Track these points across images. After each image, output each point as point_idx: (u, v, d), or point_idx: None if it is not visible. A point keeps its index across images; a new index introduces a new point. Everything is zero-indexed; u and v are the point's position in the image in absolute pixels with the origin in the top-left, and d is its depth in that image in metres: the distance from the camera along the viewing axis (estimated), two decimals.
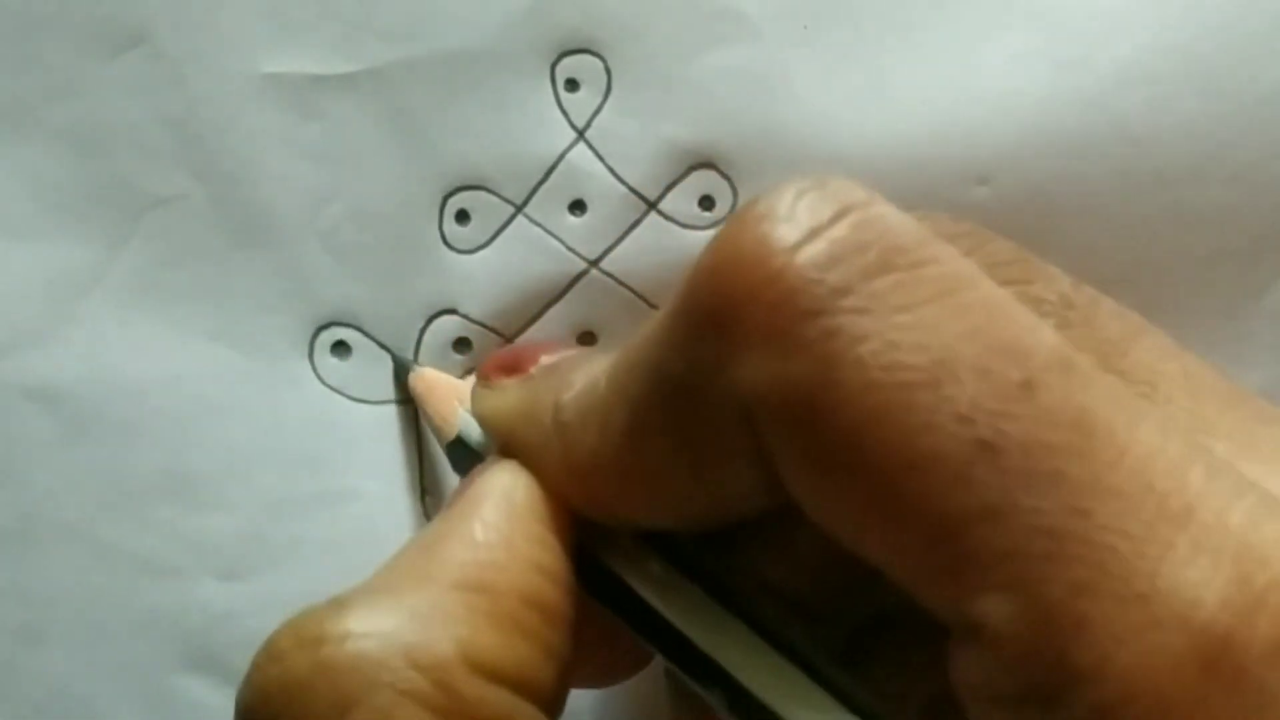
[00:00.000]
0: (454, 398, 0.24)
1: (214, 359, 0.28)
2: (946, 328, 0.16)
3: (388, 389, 0.28)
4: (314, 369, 0.28)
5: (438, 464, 0.28)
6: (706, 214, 0.27)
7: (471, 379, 0.25)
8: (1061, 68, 0.26)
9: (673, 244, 0.27)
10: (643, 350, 0.18)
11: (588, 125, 0.27)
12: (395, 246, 0.28)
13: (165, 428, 0.28)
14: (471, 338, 0.28)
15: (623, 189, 0.27)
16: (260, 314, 0.28)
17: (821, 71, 0.27)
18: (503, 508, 0.20)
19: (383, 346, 0.28)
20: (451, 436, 0.24)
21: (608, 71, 0.27)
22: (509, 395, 0.22)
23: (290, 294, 0.28)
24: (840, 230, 0.17)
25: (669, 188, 0.27)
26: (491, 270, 0.28)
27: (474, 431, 0.23)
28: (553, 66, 0.27)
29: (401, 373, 0.28)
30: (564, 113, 0.27)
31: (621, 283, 0.28)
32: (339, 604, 0.18)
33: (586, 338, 0.28)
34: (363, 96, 0.27)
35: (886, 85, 0.27)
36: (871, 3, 0.27)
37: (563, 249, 0.28)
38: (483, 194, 0.28)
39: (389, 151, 0.27)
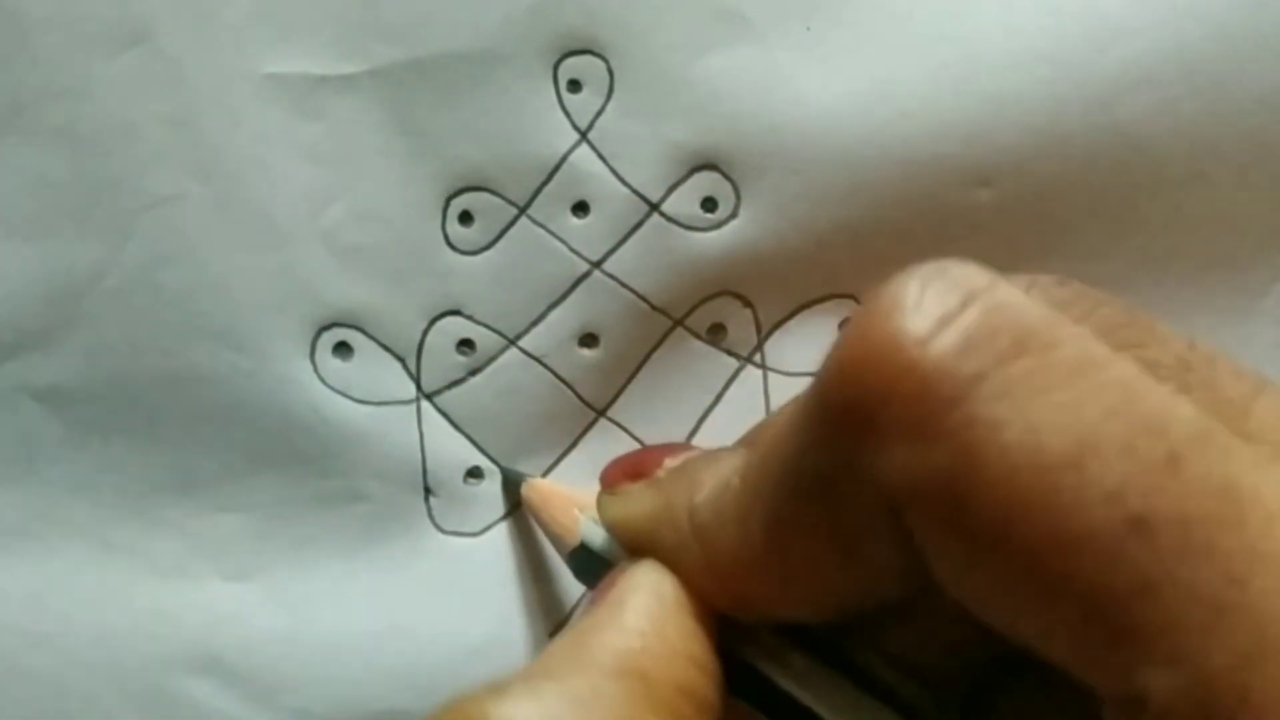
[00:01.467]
0: (572, 506, 0.24)
1: (215, 360, 0.28)
2: (1086, 409, 0.16)
3: (390, 390, 0.28)
4: (315, 370, 0.28)
5: (441, 465, 0.28)
6: (709, 215, 0.27)
7: (575, 489, 0.25)
8: (1063, 71, 0.26)
9: (675, 245, 0.27)
10: (777, 447, 0.19)
11: (590, 126, 0.27)
12: (398, 247, 0.28)
13: (169, 429, 0.28)
14: (475, 339, 0.28)
15: (625, 190, 0.27)
16: (261, 315, 0.28)
17: (824, 73, 0.27)
18: (653, 601, 0.20)
19: (394, 356, 0.28)
20: (573, 545, 0.24)
21: (610, 72, 0.27)
22: (639, 501, 0.22)
23: (291, 295, 0.28)
24: (971, 317, 0.17)
25: (671, 189, 0.27)
26: (495, 271, 0.28)
27: (597, 537, 0.23)
28: (555, 67, 0.27)
29: (511, 484, 0.28)
30: (566, 114, 0.27)
31: (624, 284, 0.28)
32: (499, 690, 0.18)
33: (589, 339, 0.28)
34: (365, 97, 0.27)
35: (889, 88, 0.27)
36: (873, 5, 0.27)
37: (566, 250, 0.28)
38: (486, 195, 0.28)
39: (391, 152, 0.27)
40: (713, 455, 0.21)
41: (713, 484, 0.20)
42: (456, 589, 0.28)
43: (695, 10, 0.27)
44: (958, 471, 0.16)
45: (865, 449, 0.17)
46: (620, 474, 0.23)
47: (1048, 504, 0.16)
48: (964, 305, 0.17)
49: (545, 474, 0.28)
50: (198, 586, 0.28)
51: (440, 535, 0.28)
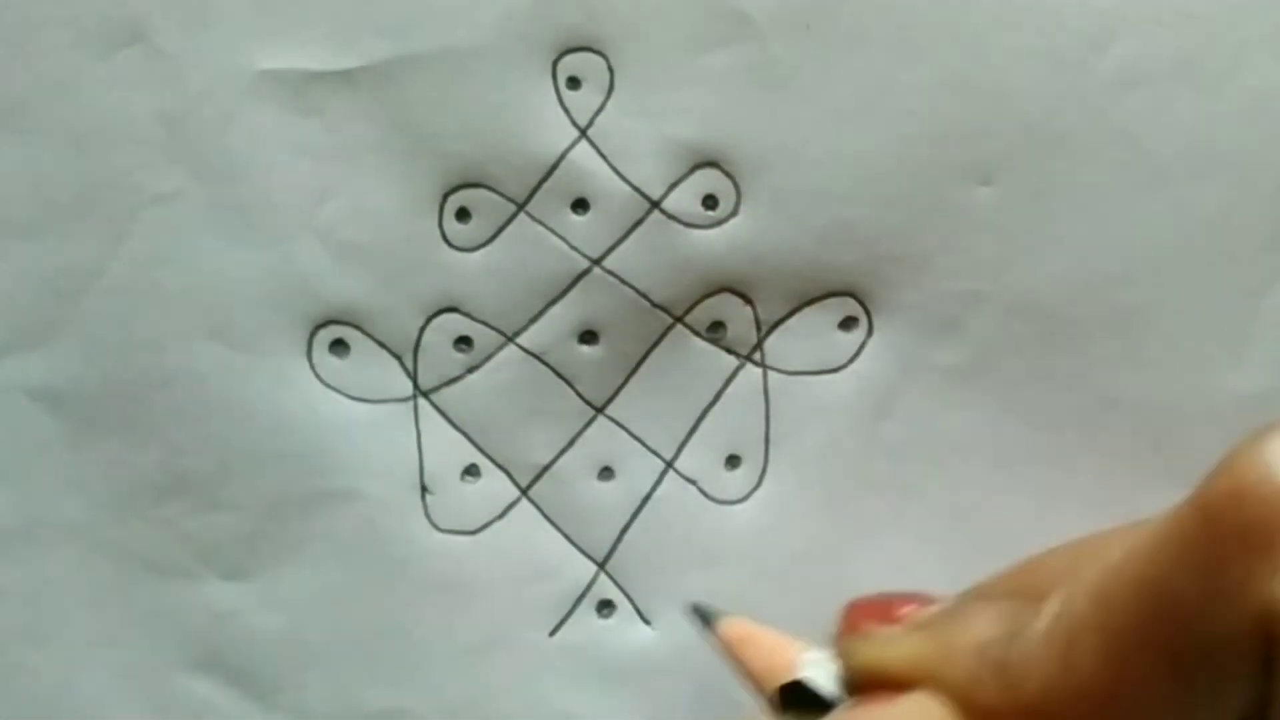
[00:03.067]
0: (782, 645, 0.24)
1: (211, 358, 0.28)
2: None
3: (387, 388, 0.28)
4: (311, 367, 0.28)
5: (438, 463, 0.28)
6: (710, 213, 0.27)
7: (778, 631, 0.24)
8: (1063, 68, 0.26)
9: (675, 243, 0.27)
10: (1134, 574, 0.18)
11: (590, 123, 0.27)
12: (394, 244, 0.28)
13: (165, 427, 0.28)
14: (473, 336, 0.28)
15: (625, 188, 0.27)
16: (257, 312, 0.28)
17: (824, 71, 0.27)
18: (926, 712, 0.20)
19: (391, 353, 0.28)
20: (776, 685, 0.23)
21: (610, 70, 0.27)
22: (904, 643, 0.22)
23: (287, 292, 0.28)
24: None
25: (672, 187, 0.27)
26: (493, 268, 0.28)
27: (821, 676, 0.23)
28: (554, 64, 0.27)
29: (703, 618, 0.26)
30: (566, 111, 0.27)
31: (624, 281, 0.28)
32: None
33: (588, 336, 0.28)
34: (361, 93, 0.27)
35: (889, 85, 0.27)
36: (874, 3, 0.27)
37: (565, 247, 0.28)
38: (483, 192, 0.27)
39: (387, 148, 0.27)
40: (984, 602, 0.22)
41: (1003, 623, 0.20)
42: (453, 587, 0.28)
43: (696, 7, 0.27)
44: None
45: (1252, 572, 0.17)
46: (866, 616, 0.23)
47: None
48: None
49: (544, 471, 0.28)
50: (196, 585, 0.28)
51: (437, 533, 0.28)
